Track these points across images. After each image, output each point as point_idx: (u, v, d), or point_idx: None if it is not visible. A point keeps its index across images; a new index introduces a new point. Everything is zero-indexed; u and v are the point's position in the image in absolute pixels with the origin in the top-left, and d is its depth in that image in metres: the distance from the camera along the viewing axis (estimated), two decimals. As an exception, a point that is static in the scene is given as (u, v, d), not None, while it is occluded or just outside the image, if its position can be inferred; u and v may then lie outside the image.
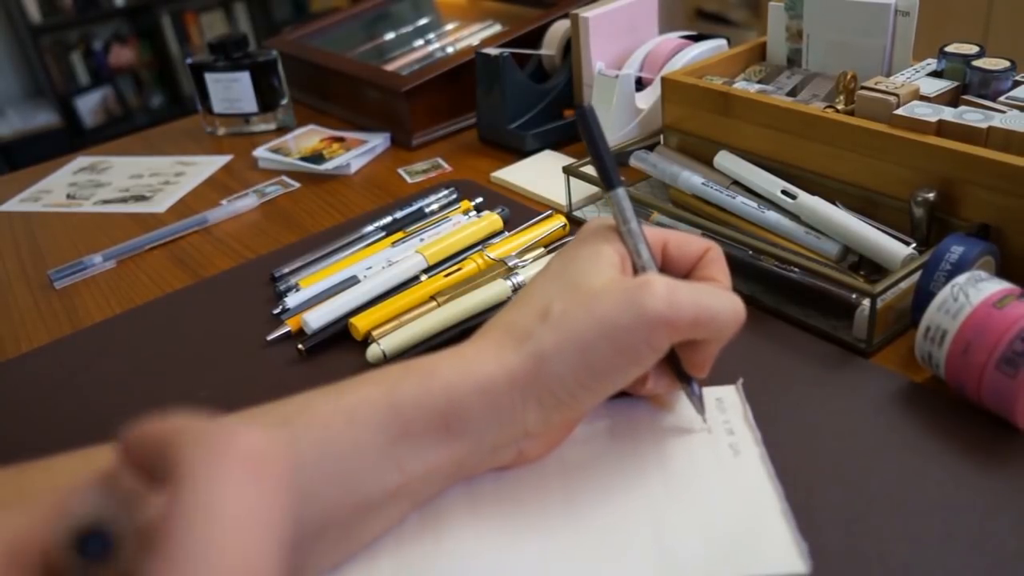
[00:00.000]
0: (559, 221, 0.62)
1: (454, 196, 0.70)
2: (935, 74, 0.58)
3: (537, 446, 0.39)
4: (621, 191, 0.39)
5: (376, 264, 0.61)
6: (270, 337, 0.55)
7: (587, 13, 0.76)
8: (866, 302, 0.46)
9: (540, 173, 0.74)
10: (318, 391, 0.35)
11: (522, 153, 0.79)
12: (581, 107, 0.39)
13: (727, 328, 0.37)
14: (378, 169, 0.83)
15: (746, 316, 0.37)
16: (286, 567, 0.33)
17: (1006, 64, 0.55)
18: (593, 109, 0.39)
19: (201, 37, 3.39)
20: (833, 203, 0.55)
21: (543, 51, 0.86)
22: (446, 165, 0.81)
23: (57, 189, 0.88)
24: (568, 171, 0.65)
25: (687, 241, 0.41)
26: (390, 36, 1.08)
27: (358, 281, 0.59)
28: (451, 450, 0.35)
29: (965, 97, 0.55)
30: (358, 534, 0.35)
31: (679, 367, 0.40)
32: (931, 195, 0.50)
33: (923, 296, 0.45)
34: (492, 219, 0.63)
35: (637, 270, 0.39)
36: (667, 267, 0.41)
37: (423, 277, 0.58)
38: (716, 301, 0.36)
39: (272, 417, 0.34)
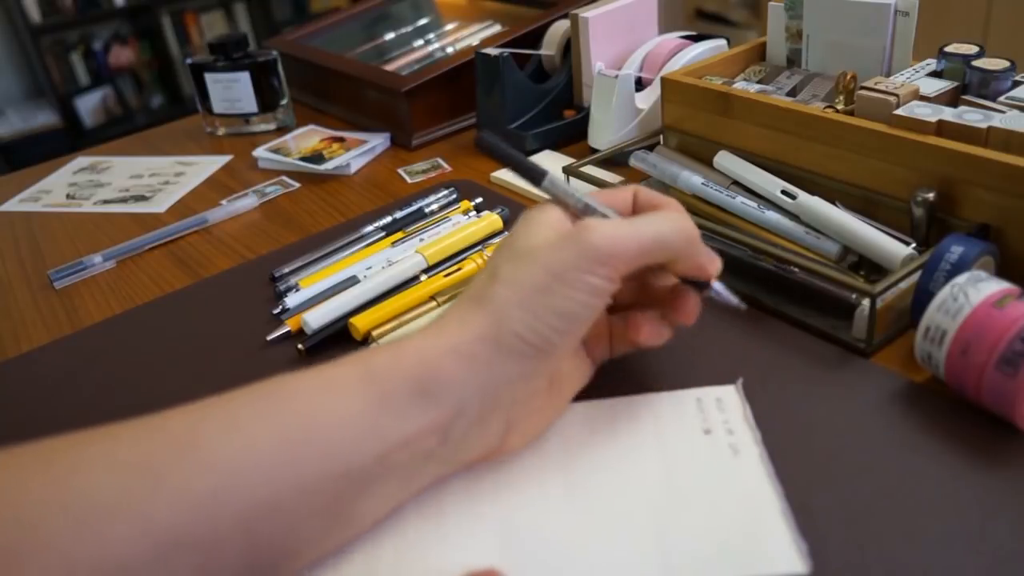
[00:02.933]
0: (559, 221, 0.62)
1: (454, 196, 0.71)
2: (935, 74, 0.58)
3: (519, 432, 0.39)
4: (549, 178, 0.41)
5: (376, 264, 0.61)
6: (270, 337, 0.55)
7: (587, 13, 0.76)
8: (866, 302, 0.46)
9: (540, 173, 0.74)
10: (292, 373, 0.36)
11: (522, 153, 0.79)
12: (481, 135, 0.41)
13: (683, 245, 0.39)
14: (378, 169, 0.83)
15: (699, 232, 0.40)
16: (280, 550, 0.32)
17: (1006, 64, 0.55)
18: (486, 135, 0.41)
19: (201, 37, 3.39)
20: (833, 203, 0.55)
21: (543, 51, 0.86)
22: (446, 165, 0.81)
23: (57, 189, 0.88)
24: (568, 171, 0.65)
25: (611, 195, 0.43)
26: (390, 36, 1.08)
27: (358, 281, 0.59)
28: (431, 416, 0.35)
29: (965, 97, 0.55)
30: (348, 512, 0.35)
31: (689, 280, 0.42)
32: (931, 195, 0.50)
33: (923, 296, 0.45)
34: (492, 219, 0.63)
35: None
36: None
37: (423, 277, 0.58)
38: (658, 225, 0.38)
39: (249, 395, 0.35)
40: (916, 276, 0.46)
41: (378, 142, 0.87)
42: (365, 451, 0.34)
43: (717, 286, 0.42)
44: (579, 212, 0.40)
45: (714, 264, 0.41)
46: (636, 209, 0.43)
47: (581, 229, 0.37)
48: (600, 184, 0.64)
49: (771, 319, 0.51)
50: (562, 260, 0.36)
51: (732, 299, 0.43)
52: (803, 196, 0.56)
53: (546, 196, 0.41)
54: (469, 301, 0.38)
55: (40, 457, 0.32)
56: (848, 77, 0.59)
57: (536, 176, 0.41)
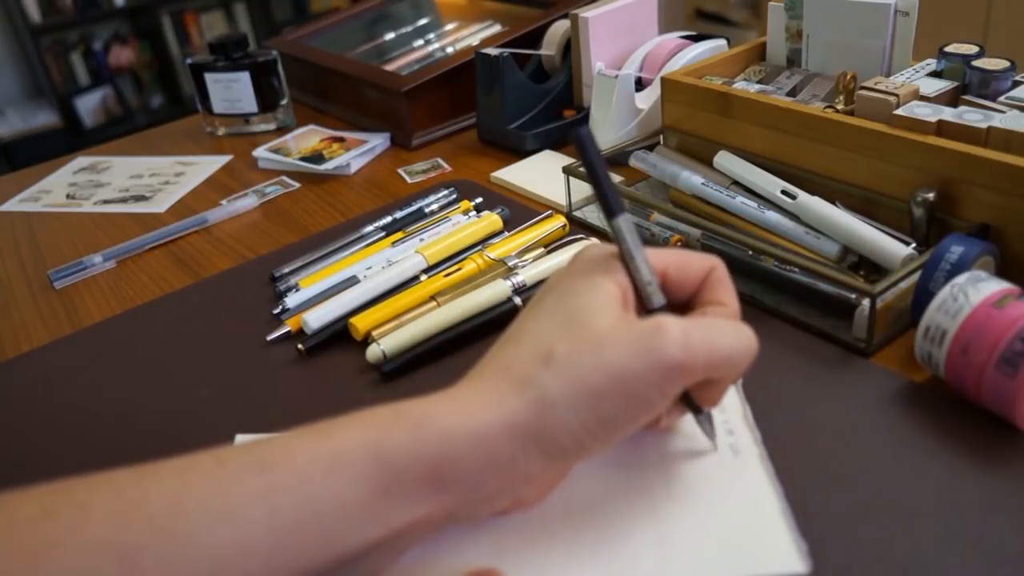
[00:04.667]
0: (559, 221, 0.62)
1: (454, 196, 0.71)
2: (935, 74, 0.58)
3: (534, 491, 0.37)
4: (624, 219, 0.36)
5: (376, 264, 0.61)
6: (270, 337, 0.55)
7: (587, 13, 0.76)
8: (866, 302, 0.46)
9: (540, 173, 0.74)
10: (299, 432, 0.33)
11: (522, 153, 0.79)
12: (579, 131, 0.35)
13: (741, 366, 0.35)
14: (378, 169, 0.83)
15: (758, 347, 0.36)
16: None
17: (1006, 64, 0.55)
18: (591, 132, 0.36)
19: (201, 37, 3.39)
20: (833, 203, 0.55)
21: (543, 51, 0.86)
22: (446, 165, 0.81)
23: (57, 189, 0.88)
24: (568, 171, 0.65)
25: (688, 262, 0.38)
26: (390, 36, 1.08)
27: (358, 281, 0.59)
28: (441, 502, 0.32)
29: (965, 97, 0.55)
30: None
31: (690, 400, 0.38)
32: (931, 195, 0.50)
33: (923, 296, 0.45)
34: (492, 219, 0.63)
35: (643, 301, 0.37)
36: (669, 292, 0.38)
37: (423, 277, 0.58)
38: (729, 339, 0.34)
39: (249, 460, 0.31)
40: (916, 276, 0.46)
41: (378, 142, 0.87)
42: (365, 537, 0.31)
43: (707, 414, 0.39)
44: (636, 278, 0.36)
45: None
46: (669, 278, 0.38)
47: (656, 332, 0.33)
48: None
49: (771, 319, 0.51)
50: (630, 367, 0.32)
51: (711, 436, 0.40)
52: (803, 196, 0.56)
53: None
54: (510, 376, 0.34)
55: (3, 532, 0.29)
56: (848, 77, 0.59)
57: (612, 208, 0.36)
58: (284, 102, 0.96)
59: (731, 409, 0.43)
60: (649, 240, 0.59)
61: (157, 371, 0.54)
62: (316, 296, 0.58)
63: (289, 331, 0.55)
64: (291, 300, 0.58)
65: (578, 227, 0.65)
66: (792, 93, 0.63)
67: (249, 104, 0.94)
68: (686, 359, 0.32)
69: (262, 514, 0.30)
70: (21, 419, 0.52)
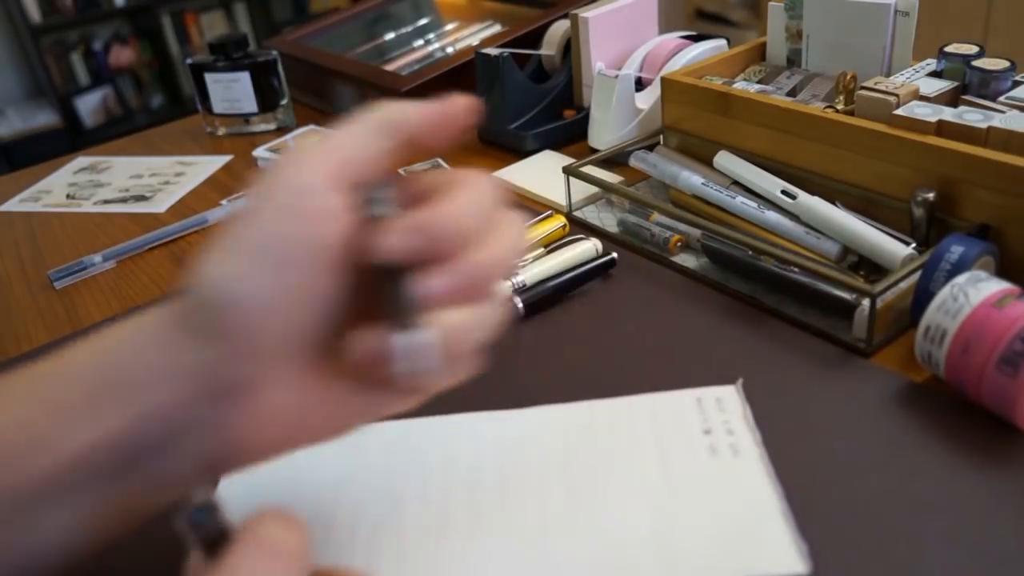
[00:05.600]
0: (559, 221, 0.62)
1: (454, 196, 0.70)
2: (935, 74, 0.58)
3: (254, 431, 0.30)
4: None
5: (376, 264, 0.61)
6: (270, 337, 0.55)
7: (587, 13, 0.76)
8: (866, 302, 0.46)
9: (540, 173, 0.74)
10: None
11: (522, 153, 0.79)
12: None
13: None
14: (378, 169, 0.83)
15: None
16: None
17: (1006, 64, 0.55)
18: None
19: (201, 37, 3.39)
20: (833, 203, 0.55)
21: (543, 51, 0.86)
22: (446, 165, 0.81)
23: (57, 189, 0.88)
24: (568, 171, 0.65)
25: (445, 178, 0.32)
26: (390, 36, 1.08)
27: (358, 281, 0.59)
28: (106, 420, 0.29)
29: (965, 97, 0.55)
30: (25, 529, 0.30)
31: (398, 295, 0.29)
32: (931, 195, 0.50)
33: (923, 296, 0.45)
34: (492, 219, 0.63)
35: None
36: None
37: (423, 277, 0.58)
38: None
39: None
40: (916, 276, 0.46)
41: (378, 142, 0.86)
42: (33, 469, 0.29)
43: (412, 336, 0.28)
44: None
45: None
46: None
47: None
48: (599, 184, 0.64)
49: (771, 319, 0.51)
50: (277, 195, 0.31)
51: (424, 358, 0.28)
52: (803, 196, 0.56)
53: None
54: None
55: None
56: (848, 77, 0.59)
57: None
58: (284, 102, 0.96)
59: (731, 409, 0.43)
60: (649, 240, 0.59)
61: (157, 371, 0.54)
62: (316, 296, 0.58)
63: (289, 331, 0.55)
64: (291, 300, 0.58)
65: (578, 227, 0.65)
66: (792, 93, 0.63)
67: (249, 104, 0.94)
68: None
69: None
70: (21, 419, 0.52)
